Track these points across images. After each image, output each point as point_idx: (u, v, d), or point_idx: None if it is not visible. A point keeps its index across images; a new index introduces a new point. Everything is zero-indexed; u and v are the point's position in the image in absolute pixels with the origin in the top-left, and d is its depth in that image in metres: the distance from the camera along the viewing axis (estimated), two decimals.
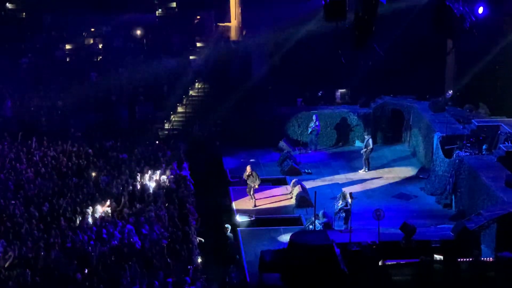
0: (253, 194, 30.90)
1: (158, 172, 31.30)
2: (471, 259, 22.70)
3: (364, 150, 34.58)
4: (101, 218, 27.00)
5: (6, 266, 23.67)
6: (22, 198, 28.70)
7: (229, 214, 30.13)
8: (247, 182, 30.92)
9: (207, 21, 45.78)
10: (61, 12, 44.06)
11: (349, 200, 27.11)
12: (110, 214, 27.46)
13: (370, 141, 34.60)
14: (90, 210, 27.57)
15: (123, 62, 42.09)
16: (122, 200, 28.57)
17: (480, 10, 26.99)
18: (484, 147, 30.31)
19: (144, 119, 38.40)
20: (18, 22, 45.45)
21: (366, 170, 34.48)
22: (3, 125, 36.73)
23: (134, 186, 29.82)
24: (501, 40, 34.61)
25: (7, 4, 46.54)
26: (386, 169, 34.98)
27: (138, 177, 30.67)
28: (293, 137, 38.19)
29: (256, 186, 30.88)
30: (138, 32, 44.12)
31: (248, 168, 31.02)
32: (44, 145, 34.06)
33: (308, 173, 34.39)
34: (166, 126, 38.98)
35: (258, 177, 30.95)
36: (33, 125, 36.72)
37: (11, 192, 29.21)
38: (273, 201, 31.24)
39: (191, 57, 42.99)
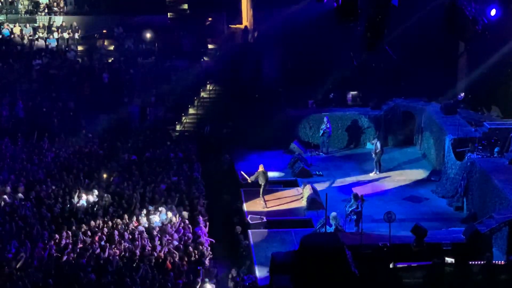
0: (262, 195, 30.91)
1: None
2: (482, 262, 22.60)
3: (374, 154, 34.52)
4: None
5: (17, 267, 23.76)
6: (33, 199, 28.83)
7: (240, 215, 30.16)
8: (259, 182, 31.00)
9: (219, 23, 45.83)
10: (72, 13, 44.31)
11: (360, 202, 27.07)
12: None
13: (378, 144, 34.52)
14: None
15: (135, 64, 42.21)
16: (133, 201, 28.69)
17: (493, 12, 26.90)
18: (496, 149, 30.20)
19: (155, 121, 38.45)
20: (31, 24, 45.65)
21: (378, 172, 34.43)
22: (15, 125, 36.87)
23: (145, 187, 29.90)
24: None
25: (19, 6, 46.71)
26: (397, 172, 34.91)
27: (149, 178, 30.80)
28: (304, 139, 38.16)
29: (261, 183, 30.87)
30: (148, 35, 44.16)
31: (260, 167, 31.08)
32: (56, 146, 34.18)
33: (319, 175, 34.35)
34: (178, 127, 39.01)
35: (263, 176, 30.87)
36: (45, 126, 36.82)
37: (22, 193, 29.33)
38: (284, 203, 31.22)
39: (202, 59, 43.12)
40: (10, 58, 42.01)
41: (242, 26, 45.86)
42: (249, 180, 31.10)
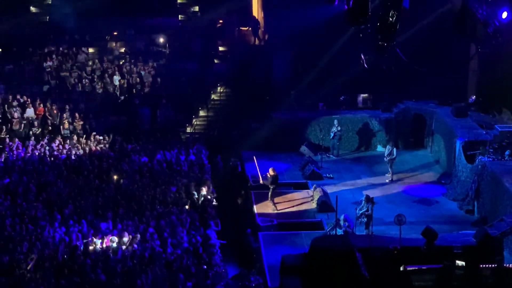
0: (270, 198, 30.88)
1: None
2: (493, 265, 22.53)
3: (388, 158, 34.25)
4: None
5: (28, 268, 23.81)
6: (44, 200, 28.91)
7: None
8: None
9: (229, 25, 45.88)
10: (84, 15, 44.39)
11: (371, 205, 27.03)
12: None
13: (394, 150, 34.23)
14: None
15: (145, 66, 42.28)
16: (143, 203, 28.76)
17: (504, 15, 26.75)
18: (507, 152, 30.09)
19: (166, 123, 38.49)
20: (42, 25, 45.76)
21: (393, 178, 34.20)
22: (26, 127, 36.99)
23: (156, 189, 29.95)
24: None
25: (31, 7, 46.88)
26: (408, 174, 34.81)
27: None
28: (314, 141, 38.10)
29: (270, 191, 30.88)
30: (161, 39, 44.26)
31: (270, 170, 31.07)
32: (66, 148, 34.27)
33: (330, 178, 34.30)
34: (188, 129, 39.06)
35: (271, 179, 30.84)
36: (56, 127, 36.94)
37: (33, 194, 29.42)
38: (294, 205, 31.21)
39: (213, 61, 43.18)
40: (22, 60, 42.19)
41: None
42: (261, 181, 31.00)
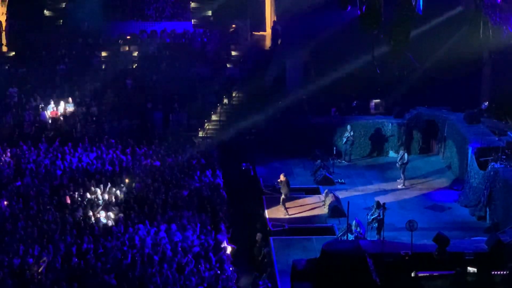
0: (282, 203, 30.84)
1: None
2: (505, 272, 22.47)
3: (400, 163, 34.19)
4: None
5: (40, 271, 23.88)
6: (56, 203, 28.98)
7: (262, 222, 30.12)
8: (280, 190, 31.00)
9: (242, 30, 45.92)
10: (97, 19, 44.55)
11: (382, 211, 27.00)
12: None
13: (406, 155, 34.20)
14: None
15: (158, 70, 42.34)
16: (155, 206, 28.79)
17: None
18: None
19: (178, 127, 38.51)
20: (55, 29, 45.94)
21: (405, 184, 34.12)
22: (39, 130, 37.09)
23: (167, 193, 29.98)
24: None
25: (45, 11, 47.04)
26: (420, 180, 34.73)
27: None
28: (327, 146, 38.03)
29: (283, 196, 30.83)
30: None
31: (281, 177, 31.07)
32: (79, 151, 34.34)
33: (342, 183, 34.26)
34: (200, 134, 39.08)
35: (286, 186, 30.82)
36: (68, 131, 37.04)
37: (46, 197, 29.49)
38: (305, 210, 31.19)
39: (226, 65, 43.21)
40: (35, 63, 42.35)
41: (265, 33, 45.95)
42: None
